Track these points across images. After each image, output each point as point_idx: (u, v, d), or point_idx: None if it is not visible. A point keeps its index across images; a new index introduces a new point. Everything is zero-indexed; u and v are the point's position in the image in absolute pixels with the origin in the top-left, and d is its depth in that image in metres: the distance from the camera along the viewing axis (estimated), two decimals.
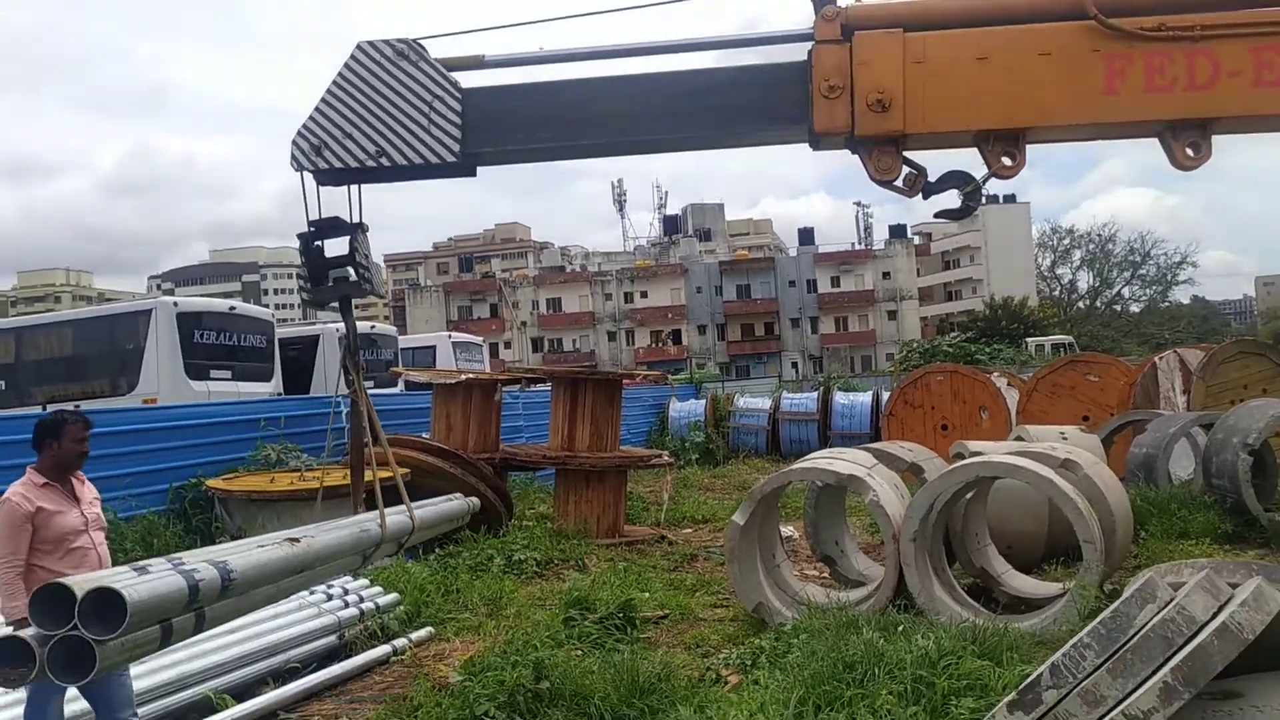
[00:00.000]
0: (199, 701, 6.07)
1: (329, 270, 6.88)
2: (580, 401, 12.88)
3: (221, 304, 18.26)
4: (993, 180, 5.72)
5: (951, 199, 6.00)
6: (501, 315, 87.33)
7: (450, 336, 25.45)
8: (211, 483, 10.84)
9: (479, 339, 26.86)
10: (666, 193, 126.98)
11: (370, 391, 18.99)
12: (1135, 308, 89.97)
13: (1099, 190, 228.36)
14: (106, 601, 4.09)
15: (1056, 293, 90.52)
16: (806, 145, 5.93)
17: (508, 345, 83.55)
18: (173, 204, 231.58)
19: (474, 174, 6.60)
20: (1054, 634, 6.47)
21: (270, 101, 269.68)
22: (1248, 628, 3.65)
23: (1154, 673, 3.67)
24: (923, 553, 7.41)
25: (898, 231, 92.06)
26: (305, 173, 6.40)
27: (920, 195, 5.79)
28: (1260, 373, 14.14)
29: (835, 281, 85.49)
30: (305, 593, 7.79)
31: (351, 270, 6.80)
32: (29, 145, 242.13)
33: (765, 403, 24.88)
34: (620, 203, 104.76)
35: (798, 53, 5.86)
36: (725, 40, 6.14)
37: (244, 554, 5.04)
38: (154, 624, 4.37)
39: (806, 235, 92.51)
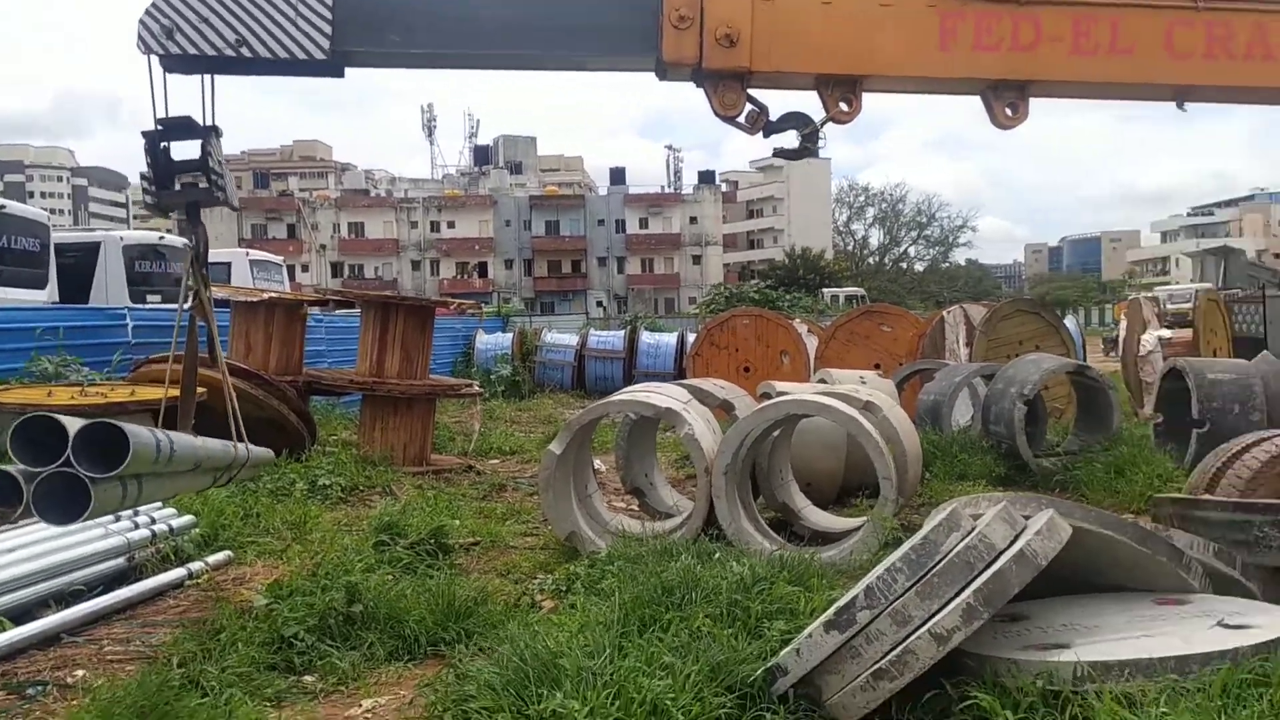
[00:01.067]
0: None
1: (175, 174, 6.25)
2: (391, 327, 12.55)
3: None
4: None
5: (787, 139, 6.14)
6: (299, 237, 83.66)
7: (248, 254, 24.13)
8: None
9: (279, 259, 25.62)
10: (479, 121, 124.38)
11: (160, 306, 17.88)
12: (919, 266, 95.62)
13: (892, 152, 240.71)
14: (90, 443, 4.21)
15: (850, 247, 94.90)
16: (652, 75, 5.94)
17: (305, 269, 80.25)
18: None
19: (342, 74, 6.15)
20: (852, 564, 6.86)
21: None
22: (1042, 554, 3.97)
23: (957, 595, 3.94)
24: (733, 486, 7.66)
25: (706, 177, 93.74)
26: (152, 57, 5.79)
27: (761, 133, 5.90)
28: (1035, 329, 15.33)
29: (644, 223, 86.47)
30: None
31: (203, 176, 6.20)
32: None
33: (572, 339, 25.02)
34: (430, 129, 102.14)
35: None
36: None
37: (164, 432, 5.14)
38: (119, 481, 4.44)
39: (618, 175, 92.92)
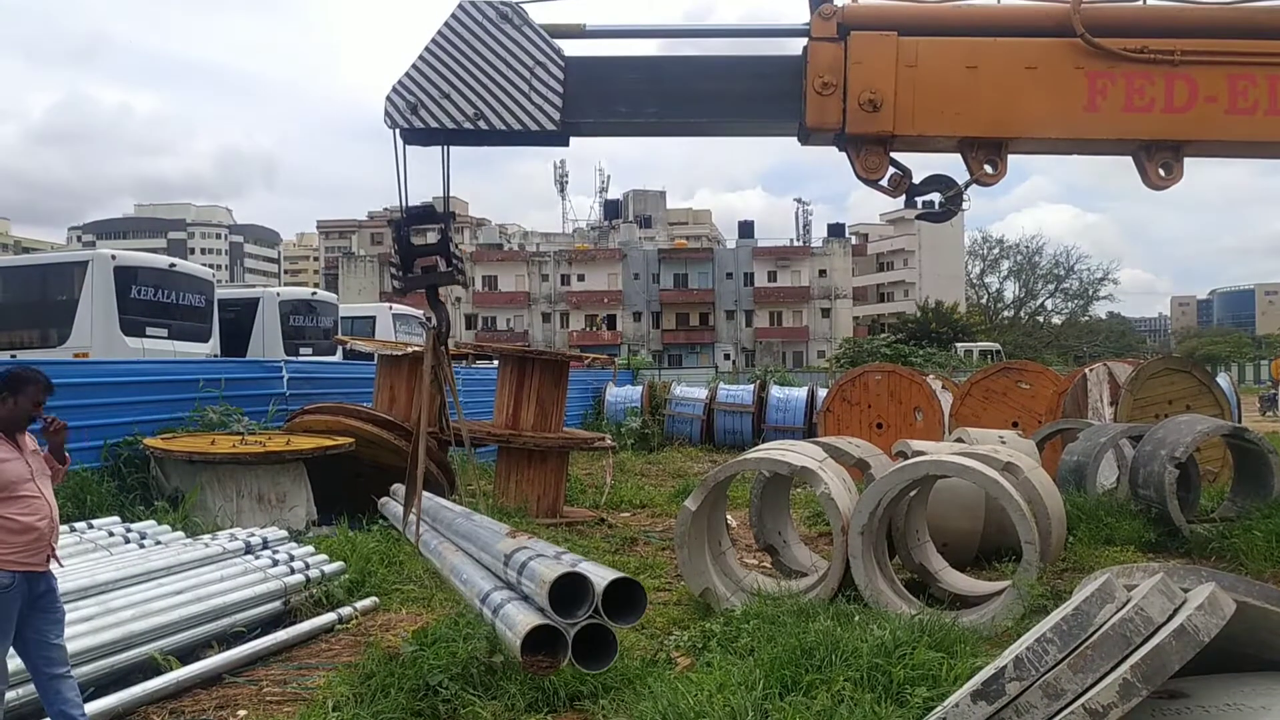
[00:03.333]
0: (144, 662, 5.97)
1: (416, 258, 6.84)
2: (527, 381, 12.87)
3: (161, 260, 17.84)
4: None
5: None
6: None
7: (391, 308, 25.14)
8: (149, 441, 10.61)
9: (419, 312, 26.52)
10: (609, 176, 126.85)
11: (310, 359, 18.71)
12: (1057, 320, 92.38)
13: (1024, 204, 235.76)
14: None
15: (984, 300, 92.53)
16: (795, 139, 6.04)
17: None
18: (102, 156, 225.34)
19: (568, 144, 6.60)
20: (994, 629, 6.68)
21: (211, 56, 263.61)
22: (1204, 630, 3.82)
23: (1113, 669, 3.82)
24: (869, 546, 7.56)
25: (836, 230, 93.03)
26: (397, 131, 6.34)
27: (904, 196, 5.92)
28: (1185, 389, 14.65)
29: (772, 276, 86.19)
30: (251, 556, 7.71)
31: (441, 260, 6.76)
32: None
33: (701, 392, 25.06)
34: (562, 184, 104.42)
35: (790, 46, 5.95)
36: (728, 29, 6.21)
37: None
38: None
39: (746, 228, 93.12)
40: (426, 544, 6.76)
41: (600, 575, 4.58)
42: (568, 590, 4.61)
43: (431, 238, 7.08)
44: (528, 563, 5.14)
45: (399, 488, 7.67)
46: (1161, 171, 5.73)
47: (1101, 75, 5.58)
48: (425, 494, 6.60)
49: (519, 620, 4.79)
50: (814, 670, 4.99)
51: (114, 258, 16.17)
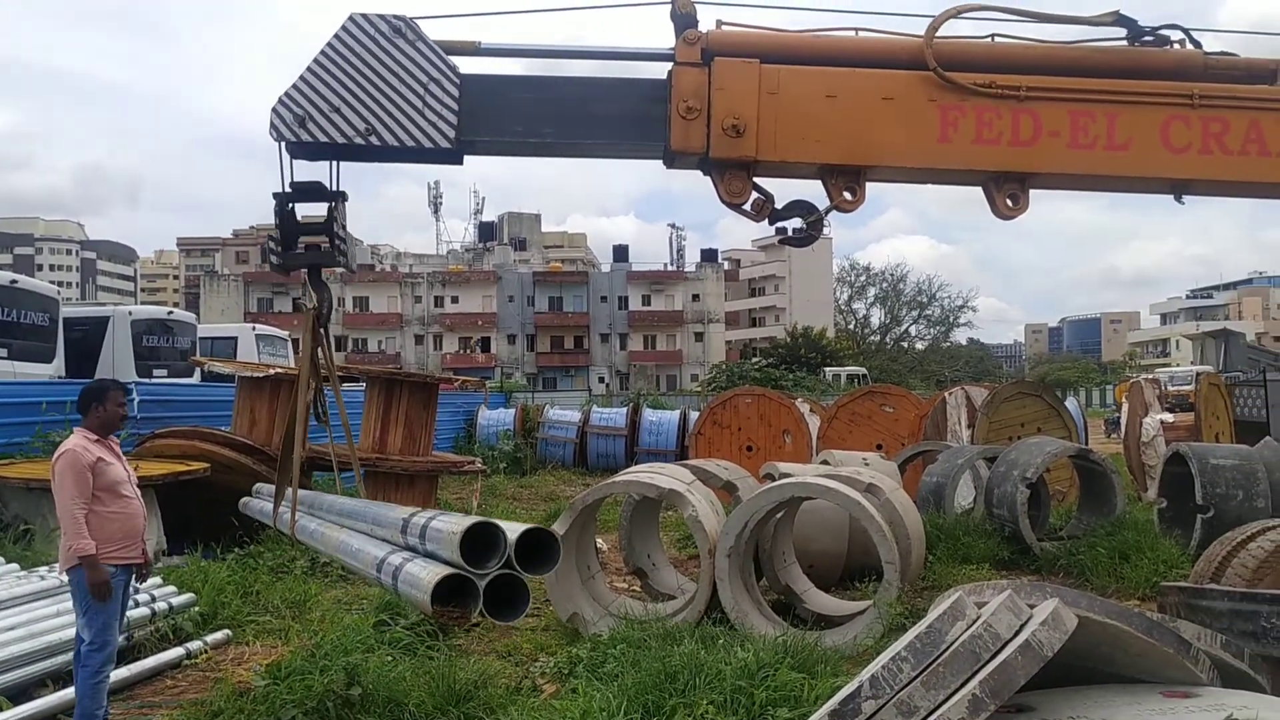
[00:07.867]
0: None
1: (299, 236, 6.51)
2: (395, 403, 12.62)
3: (1, 276, 16.82)
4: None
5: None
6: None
7: (254, 328, 24.29)
8: None
9: (284, 333, 25.66)
10: (484, 198, 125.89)
11: (165, 381, 17.87)
12: (920, 345, 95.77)
13: (884, 235, 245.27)
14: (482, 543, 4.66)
15: (852, 326, 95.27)
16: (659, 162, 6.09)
17: None
18: None
19: (461, 162, 6.42)
20: (856, 649, 6.80)
21: (75, 70, 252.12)
22: (1048, 645, 3.94)
23: (963, 685, 3.91)
24: (735, 568, 7.62)
25: (709, 256, 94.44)
26: (282, 145, 6.05)
27: (766, 220, 6.02)
28: (1036, 412, 15.32)
29: (646, 300, 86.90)
30: None
31: (327, 240, 6.47)
32: None
33: (575, 415, 25.02)
34: (436, 205, 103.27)
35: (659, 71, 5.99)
36: (597, 51, 6.20)
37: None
38: None
39: (621, 252, 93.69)
40: (304, 529, 6.51)
41: (511, 527, 4.50)
42: (476, 545, 4.48)
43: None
44: (429, 524, 4.98)
45: (261, 486, 7.39)
46: (1009, 202, 5.98)
47: (953, 108, 5.80)
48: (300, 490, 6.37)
49: (424, 576, 4.63)
50: (678, 694, 4.97)
51: None
